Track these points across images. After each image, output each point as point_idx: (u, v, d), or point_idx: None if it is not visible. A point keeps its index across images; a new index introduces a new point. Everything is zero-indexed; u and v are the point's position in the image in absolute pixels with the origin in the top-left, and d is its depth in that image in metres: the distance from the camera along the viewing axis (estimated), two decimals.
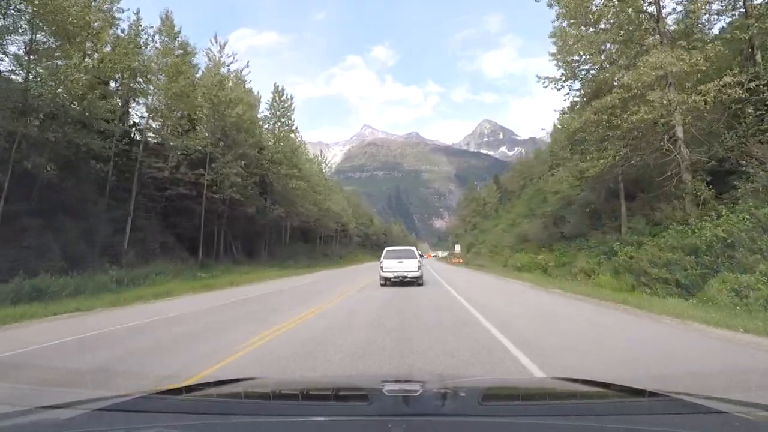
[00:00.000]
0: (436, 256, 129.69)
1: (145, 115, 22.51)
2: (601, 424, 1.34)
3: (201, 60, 28.27)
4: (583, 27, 19.90)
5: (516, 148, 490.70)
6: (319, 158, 55.59)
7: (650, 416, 1.45)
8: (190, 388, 2.05)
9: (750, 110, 14.44)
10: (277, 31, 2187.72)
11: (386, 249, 19.13)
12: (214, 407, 1.66)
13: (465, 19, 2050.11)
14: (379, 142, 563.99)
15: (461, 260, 49.85)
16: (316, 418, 1.47)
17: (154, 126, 23.72)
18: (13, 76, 15.80)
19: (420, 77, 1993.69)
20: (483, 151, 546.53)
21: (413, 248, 20.66)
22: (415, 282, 17.43)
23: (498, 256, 41.94)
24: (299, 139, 40.40)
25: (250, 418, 1.45)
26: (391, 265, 17.47)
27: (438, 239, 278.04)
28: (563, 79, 21.91)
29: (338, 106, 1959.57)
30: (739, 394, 2.58)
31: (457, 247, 52.02)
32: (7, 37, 14.59)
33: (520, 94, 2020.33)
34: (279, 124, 36.00)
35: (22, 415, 1.48)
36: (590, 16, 18.69)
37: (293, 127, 36.91)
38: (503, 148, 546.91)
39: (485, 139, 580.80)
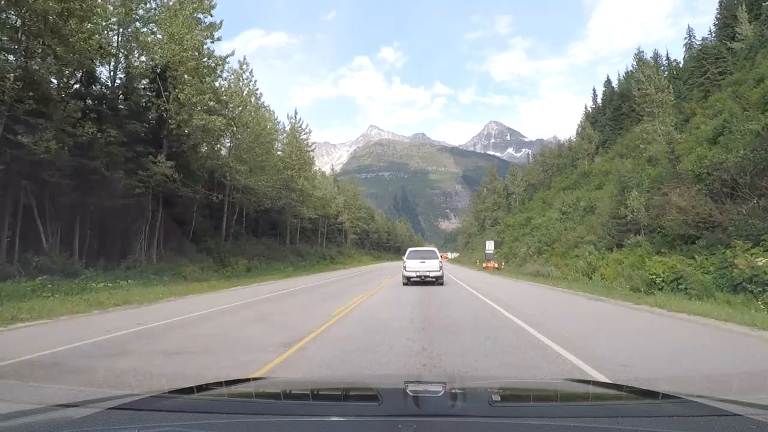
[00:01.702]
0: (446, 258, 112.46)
1: None
2: (613, 425, 1.29)
3: None
4: None
5: (523, 150, 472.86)
6: (294, 121, 38.99)
7: (663, 418, 1.40)
8: (201, 388, 1.91)
9: None
10: (286, 32, 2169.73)
11: (409, 250, 19.41)
12: (225, 407, 1.63)
13: (473, 21, 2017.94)
14: (386, 142, 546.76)
15: (497, 265, 32.62)
16: (325, 418, 1.42)
17: None
18: None
19: (427, 79, 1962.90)
20: (490, 152, 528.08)
21: (435, 249, 20.28)
22: (436, 281, 17.23)
23: (561, 260, 25.02)
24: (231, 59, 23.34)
25: (260, 417, 1.41)
26: (414, 265, 17.33)
27: (445, 240, 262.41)
28: None
29: (346, 107, 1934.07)
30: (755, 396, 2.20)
31: (489, 246, 34.47)
32: None
33: (528, 97, 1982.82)
34: (183, 11, 19.06)
35: (34, 413, 1.42)
36: None
37: (215, 28, 20.13)
38: (510, 150, 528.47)
39: (492, 141, 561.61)
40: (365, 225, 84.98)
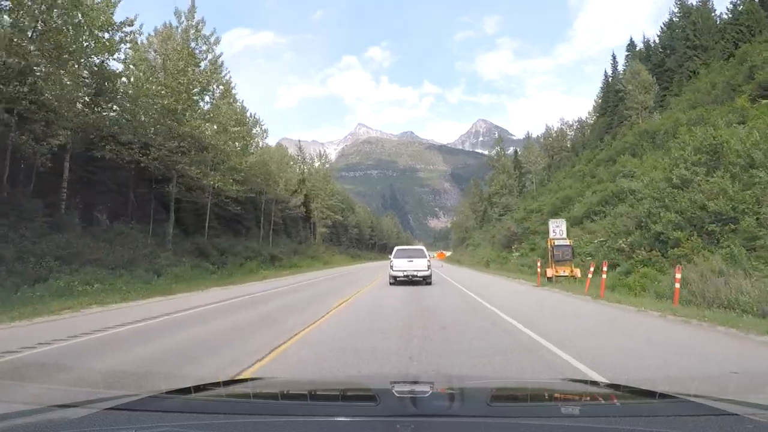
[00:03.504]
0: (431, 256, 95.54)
1: None
2: (610, 425, 1.26)
3: None
4: None
5: (511, 148, 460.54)
6: (188, 20, 21.55)
7: (660, 418, 1.35)
8: (198, 388, 1.85)
9: None
10: (273, 31, 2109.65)
11: (396, 248, 17.85)
12: (223, 407, 1.58)
13: (462, 21, 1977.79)
14: (374, 140, 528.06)
15: (558, 271, 14.92)
16: (323, 418, 1.38)
17: None
18: None
19: (416, 78, 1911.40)
20: (478, 150, 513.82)
21: (422, 248, 18.87)
22: (424, 281, 16.18)
23: None
24: None
25: (258, 417, 1.37)
26: (401, 264, 16.28)
27: (434, 239, 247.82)
28: None
29: (334, 106, 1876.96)
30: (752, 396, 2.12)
31: (558, 229, 15.65)
32: None
33: (515, 96, 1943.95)
34: None
35: (33, 414, 1.37)
36: None
37: None
38: (498, 148, 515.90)
39: (480, 139, 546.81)
40: (341, 217, 67.49)
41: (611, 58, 74.07)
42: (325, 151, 59.41)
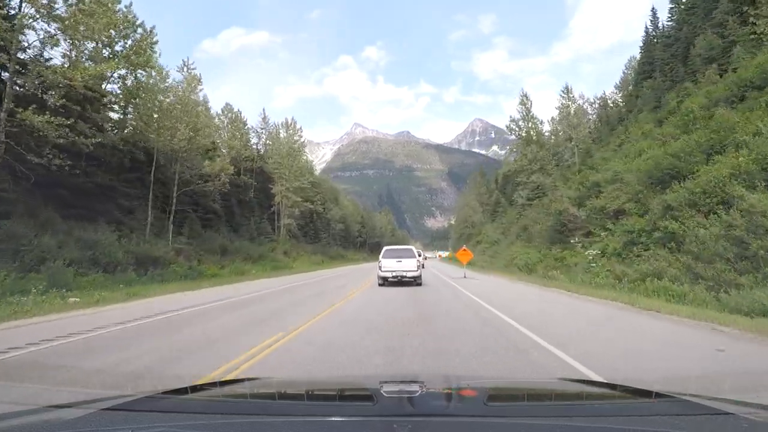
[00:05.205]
0: (437, 256, 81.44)
1: None
2: (607, 425, 1.25)
3: None
4: None
5: (508, 148, 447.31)
6: None
7: (656, 417, 1.34)
8: (195, 388, 1.82)
9: None
10: (270, 31, 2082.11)
11: (385, 248, 17.11)
12: (219, 407, 1.54)
13: (457, 20, 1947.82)
14: (370, 140, 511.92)
15: None
16: (320, 418, 1.35)
17: None
18: None
19: (412, 78, 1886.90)
20: (475, 149, 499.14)
21: (412, 248, 18.22)
22: (414, 282, 15.40)
23: None
24: None
25: (256, 417, 1.35)
26: (390, 265, 15.57)
27: (431, 238, 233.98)
28: None
29: (330, 106, 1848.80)
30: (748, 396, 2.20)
31: None
32: None
33: (512, 95, 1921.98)
34: None
35: (28, 414, 1.35)
36: None
37: None
38: (495, 147, 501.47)
39: (477, 138, 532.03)
40: (321, 208, 52.45)
41: (650, 13, 59.16)
42: (294, 120, 44.10)
